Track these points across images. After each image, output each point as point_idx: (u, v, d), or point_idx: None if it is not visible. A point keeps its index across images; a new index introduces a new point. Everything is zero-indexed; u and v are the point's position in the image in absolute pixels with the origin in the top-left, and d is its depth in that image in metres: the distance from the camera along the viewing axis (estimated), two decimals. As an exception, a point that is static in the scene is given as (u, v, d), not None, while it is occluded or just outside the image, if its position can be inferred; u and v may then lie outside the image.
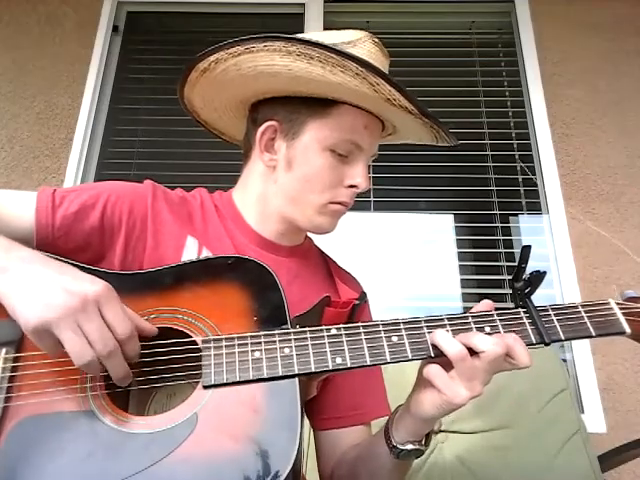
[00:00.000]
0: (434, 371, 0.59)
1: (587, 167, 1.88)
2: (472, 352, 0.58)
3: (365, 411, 0.82)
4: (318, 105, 0.74)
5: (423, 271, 1.79)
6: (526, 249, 0.63)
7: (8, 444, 0.54)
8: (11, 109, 2.03)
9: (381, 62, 0.75)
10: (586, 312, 0.63)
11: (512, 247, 1.82)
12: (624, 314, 0.63)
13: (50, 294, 0.53)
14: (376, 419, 0.82)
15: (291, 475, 0.52)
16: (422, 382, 0.61)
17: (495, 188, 1.90)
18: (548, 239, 1.81)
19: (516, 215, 1.91)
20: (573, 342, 1.65)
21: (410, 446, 0.64)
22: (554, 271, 1.75)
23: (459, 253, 1.84)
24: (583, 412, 1.55)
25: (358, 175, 0.76)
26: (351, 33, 0.77)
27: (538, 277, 0.63)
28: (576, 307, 0.64)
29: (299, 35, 0.70)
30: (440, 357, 0.59)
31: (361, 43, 0.74)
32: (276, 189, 0.78)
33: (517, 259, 0.64)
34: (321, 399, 0.82)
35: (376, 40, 0.77)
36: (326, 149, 0.74)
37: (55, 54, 2.10)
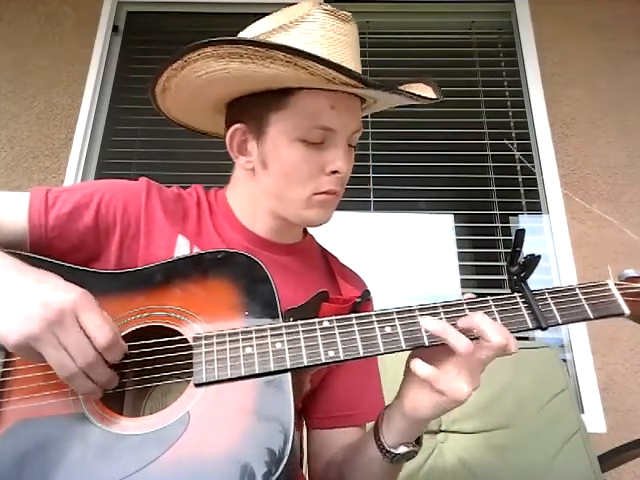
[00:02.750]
0: (433, 375, 0.57)
1: (587, 167, 1.88)
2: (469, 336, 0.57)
3: (359, 412, 0.80)
4: (277, 97, 0.71)
5: (423, 271, 1.79)
6: (520, 232, 0.62)
7: (0, 448, 0.54)
8: (11, 109, 2.03)
9: (340, 29, 0.71)
10: (583, 294, 0.62)
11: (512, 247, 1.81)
12: (623, 295, 0.62)
13: (27, 306, 0.52)
14: (371, 421, 0.80)
15: (285, 472, 0.51)
16: (413, 382, 0.60)
17: (495, 188, 1.89)
18: (548, 239, 1.81)
19: (516, 215, 1.90)
20: (573, 342, 1.65)
21: (403, 449, 0.63)
22: (554, 271, 1.75)
23: (459, 253, 1.84)
24: (583, 412, 1.55)
25: (336, 159, 0.71)
26: (298, 8, 0.73)
27: (533, 261, 0.62)
28: (573, 289, 0.63)
29: (231, 36, 0.67)
30: (434, 346, 0.58)
31: (310, 16, 0.69)
32: (260, 189, 0.76)
33: (521, 254, 0.63)
34: (315, 398, 0.81)
35: (327, 8, 0.71)
36: (295, 140, 0.71)
37: (55, 54, 2.11)
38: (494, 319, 0.60)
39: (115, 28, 2.17)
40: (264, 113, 0.72)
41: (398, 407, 0.63)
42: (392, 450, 0.63)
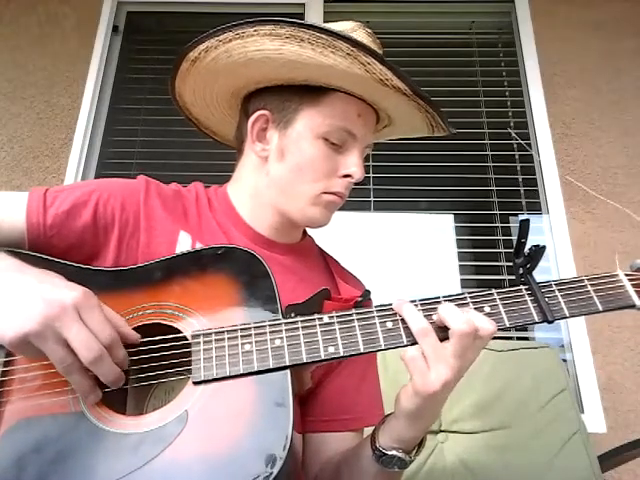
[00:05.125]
0: (410, 353, 0.56)
1: (587, 167, 1.88)
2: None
3: (354, 417, 0.78)
4: (310, 93, 0.73)
5: (423, 271, 1.79)
6: (525, 223, 0.60)
7: (1, 448, 0.54)
8: (11, 109, 2.03)
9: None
10: (592, 286, 0.59)
11: (512, 247, 1.81)
12: (634, 285, 0.59)
13: (28, 304, 0.52)
14: (367, 427, 0.78)
15: (283, 472, 0.51)
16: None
17: (495, 188, 1.89)
18: (548, 239, 1.81)
19: (516, 215, 1.90)
20: (573, 342, 1.65)
21: (393, 452, 0.61)
22: (554, 271, 1.75)
23: (459, 253, 1.84)
24: (583, 412, 1.55)
25: (352, 164, 0.74)
26: (343, 24, 0.77)
27: (538, 251, 0.59)
28: (582, 281, 0.60)
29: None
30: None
31: (353, 33, 0.73)
32: (268, 181, 0.77)
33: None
34: (309, 400, 0.79)
35: (368, 30, 0.76)
36: (319, 137, 0.73)
37: (55, 54, 2.10)
38: (498, 312, 0.59)
39: (115, 28, 2.16)
40: (294, 105, 0.74)
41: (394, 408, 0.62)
42: (382, 449, 0.62)
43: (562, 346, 1.67)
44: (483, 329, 0.55)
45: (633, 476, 1.48)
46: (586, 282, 0.60)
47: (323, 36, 0.65)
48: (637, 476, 1.48)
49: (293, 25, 0.65)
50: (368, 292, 0.82)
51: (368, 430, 0.74)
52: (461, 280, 1.80)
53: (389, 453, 0.61)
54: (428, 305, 0.59)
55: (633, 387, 1.59)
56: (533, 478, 1.23)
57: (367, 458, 0.64)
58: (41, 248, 0.67)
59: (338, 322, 0.59)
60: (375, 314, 0.59)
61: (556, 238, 1.78)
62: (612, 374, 1.60)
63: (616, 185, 1.85)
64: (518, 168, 1.92)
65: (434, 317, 0.58)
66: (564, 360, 1.59)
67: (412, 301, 0.59)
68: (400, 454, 0.61)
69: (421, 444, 0.64)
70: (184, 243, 0.73)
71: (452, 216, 1.92)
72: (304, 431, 0.80)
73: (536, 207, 1.87)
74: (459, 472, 1.22)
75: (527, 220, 0.60)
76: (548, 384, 1.34)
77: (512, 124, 1.99)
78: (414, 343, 0.57)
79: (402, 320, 0.58)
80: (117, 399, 0.60)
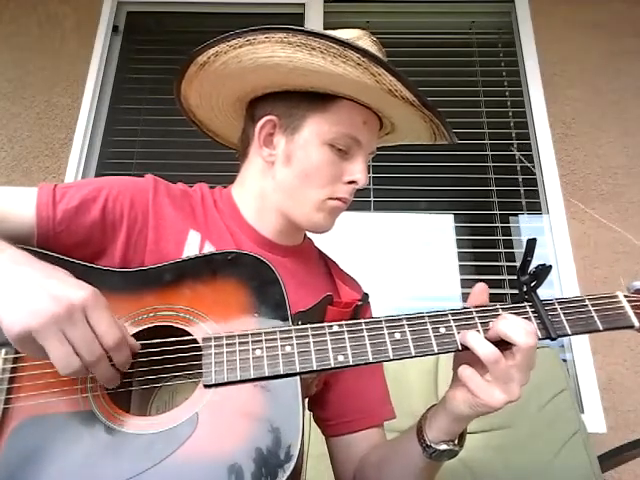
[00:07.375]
0: (467, 374, 0.57)
1: (587, 167, 1.88)
2: (504, 345, 0.56)
3: (374, 413, 0.81)
4: (318, 100, 0.74)
5: (423, 271, 1.79)
6: (531, 242, 0.62)
7: (9, 445, 0.54)
8: (11, 109, 2.03)
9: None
10: (593, 305, 0.62)
11: (512, 247, 1.82)
12: (633, 307, 0.62)
13: (35, 300, 0.51)
14: (385, 421, 0.82)
15: (292, 475, 0.51)
16: (458, 378, 0.60)
17: (495, 188, 1.90)
18: (548, 239, 1.81)
19: (516, 215, 1.91)
20: (573, 342, 1.65)
21: (444, 446, 0.62)
22: (554, 271, 1.75)
23: (459, 253, 1.84)
24: (583, 412, 1.55)
25: (357, 171, 0.75)
26: (349, 32, 0.77)
27: (544, 271, 0.61)
28: (583, 301, 0.62)
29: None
30: (445, 353, 0.58)
31: (359, 41, 0.74)
32: (274, 185, 0.77)
33: (522, 254, 0.63)
34: (327, 406, 0.81)
35: (374, 39, 0.77)
36: (325, 144, 0.74)
37: (55, 54, 2.10)
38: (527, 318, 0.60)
39: (115, 28, 2.17)
40: (302, 112, 0.75)
41: (442, 404, 0.63)
42: (433, 445, 0.63)
43: (562, 346, 1.67)
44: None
45: (633, 476, 1.48)
46: (587, 302, 0.62)
47: (334, 45, 0.65)
48: (637, 476, 1.48)
49: (305, 34, 0.66)
50: (367, 295, 0.84)
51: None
52: (461, 280, 1.80)
53: (440, 448, 0.63)
54: (437, 318, 0.61)
55: (633, 387, 1.59)
56: (533, 478, 1.23)
57: (415, 454, 0.65)
58: (49, 243, 0.67)
59: (347, 331, 0.60)
60: (384, 325, 0.60)
61: (556, 238, 1.79)
62: (612, 374, 1.61)
63: (616, 185, 1.85)
64: (518, 168, 1.92)
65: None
66: (564, 360, 1.60)
67: (419, 313, 0.61)
68: (451, 446, 0.63)
69: (463, 433, 0.65)
70: (193, 242, 0.73)
71: (452, 216, 1.93)
72: (332, 436, 0.82)
73: (536, 207, 1.87)
74: (459, 472, 1.22)
75: (534, 239, 0.62)
76: (548, 384, 1.35)
77: (512, 124, 1.99)
78: (422, 355, 0.59)
79: (409, 332, 0.60)
80: (122, 399, 0.60)
